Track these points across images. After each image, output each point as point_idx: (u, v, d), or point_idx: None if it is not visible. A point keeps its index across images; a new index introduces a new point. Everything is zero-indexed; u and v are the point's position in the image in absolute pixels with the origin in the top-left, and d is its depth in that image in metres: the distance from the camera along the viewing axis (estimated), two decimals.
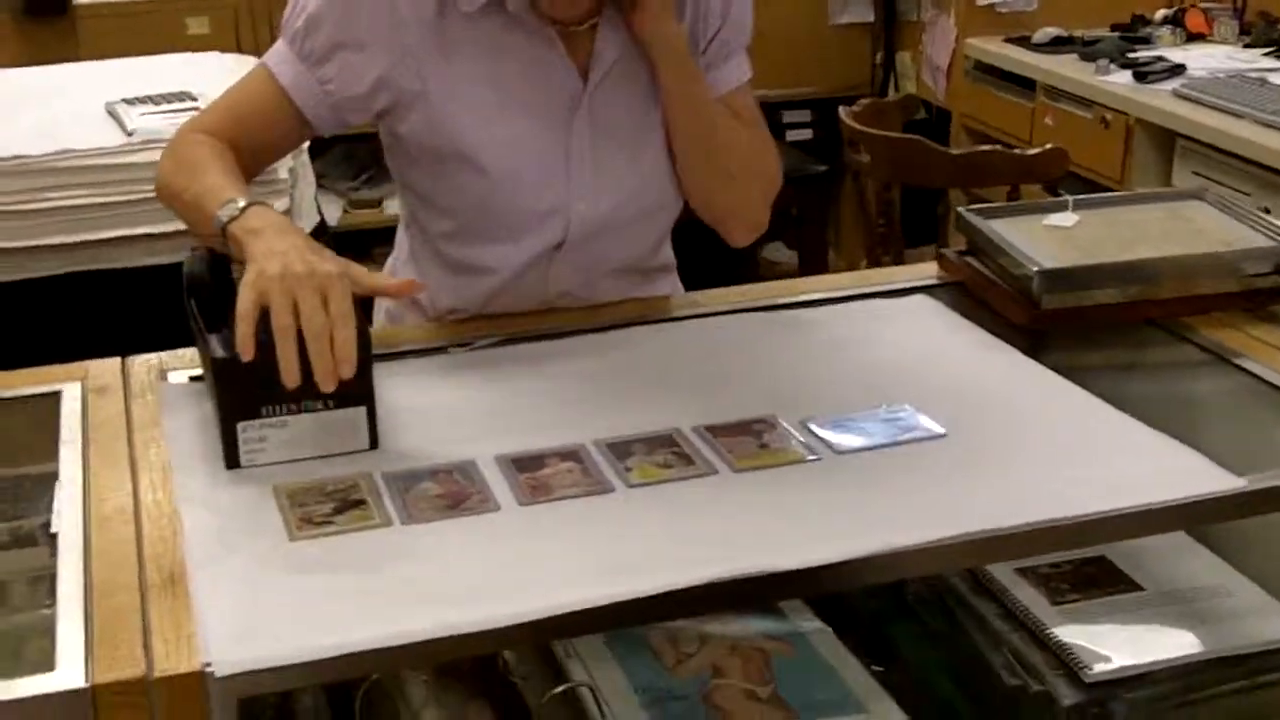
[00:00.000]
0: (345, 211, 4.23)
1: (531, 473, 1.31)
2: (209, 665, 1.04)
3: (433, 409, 1.45)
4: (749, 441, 1.36)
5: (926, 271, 1.82)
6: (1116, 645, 1.34)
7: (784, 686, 1.35)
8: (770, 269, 4.54)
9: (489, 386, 1.51)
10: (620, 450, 1.34)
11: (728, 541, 1.18)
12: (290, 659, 1.05)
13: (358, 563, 1.17)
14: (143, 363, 1.57)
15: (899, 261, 3.23)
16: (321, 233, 2.57)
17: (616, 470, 1.31)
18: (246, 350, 1.27)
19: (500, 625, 1.09)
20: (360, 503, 1.26)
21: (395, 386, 1.46)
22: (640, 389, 1.49)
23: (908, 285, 1.77)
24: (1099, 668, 1.32)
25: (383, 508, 1.25)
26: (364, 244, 4.13)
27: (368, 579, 1.15)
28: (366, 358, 1.33)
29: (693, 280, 1.84)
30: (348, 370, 1.27)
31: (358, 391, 1.34)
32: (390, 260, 1.84)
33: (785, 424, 1.39)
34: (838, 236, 4.62)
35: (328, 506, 1.25)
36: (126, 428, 1.42)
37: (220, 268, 1.50)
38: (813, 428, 1.38)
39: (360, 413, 1.35)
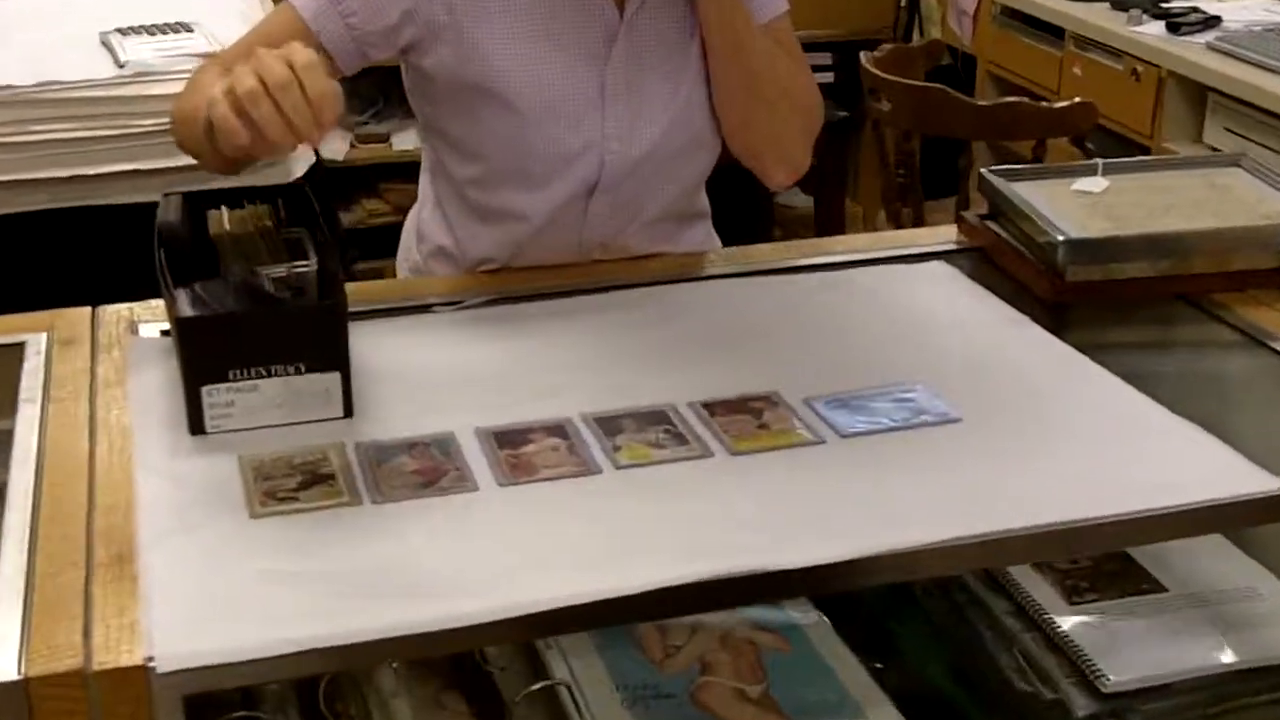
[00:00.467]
0: (352, 146, 4.13)
1: (513, 449, 1.22)
2: (151, 660, 0.96)
3: (415, 373, 1.36)
4: (748, 421, 1.27)
5: (946, 235, 1.73)
6: (1137, 652, 1.26)
7: (776, 686, 1.27)
8: (784, 214, 4.44)
9: (477, 350, 1.42)
10: (610, 426, 1.26)
11: (721, 535, 1.10)
12: (240, 655, 0.97)
13: (321, 547, 1.09)
14: (114, 313, 1.49)
15: (918, 214, 3.13)
16: (317, 170, 2.47)
17: (604, 449, 1.22)
18: (235, 135, 1.21)
19: (469, 624, 1.01)
20: (329, 477, 1.18)
21: (379, 347, 1.38)
22: (636, 357, 1.40)
23: (926, 250, 1.67)
24: (1117, 677, 1.23)
25: (353, 484, 1.17)
26: (370, 179, 4.04)
27: (331, 565, 1.07)
28: (341, 322, 1.25)
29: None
30: (329, 115, 1.19)
31: (332, 356, 1.26)
32: (414, 212, 1.76)
33: (788, 401, 1.31)
34: (856, 184, 4.51)
35: (294, 481, 1.17)
36: (90, 386, 1.33)
37: (196, 216, 1.42)
38: (817, 407, 1.29)
39: (334, 379, 1.27)
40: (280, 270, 1.39)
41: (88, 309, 1.49)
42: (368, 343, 1.38)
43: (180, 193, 1.45)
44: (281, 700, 1.24)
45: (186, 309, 1.26)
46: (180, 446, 1.23)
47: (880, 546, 1.08)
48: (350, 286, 1.52)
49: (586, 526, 1.11)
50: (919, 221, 3.08)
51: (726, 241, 1.76)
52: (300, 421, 1.26)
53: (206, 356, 1.23)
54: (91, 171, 2.30)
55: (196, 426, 1.25)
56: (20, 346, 1.41)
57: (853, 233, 4.24)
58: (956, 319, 1.49)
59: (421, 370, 1.37)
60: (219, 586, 1.04)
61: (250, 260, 1.39)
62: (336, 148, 4.08)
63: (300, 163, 2.35)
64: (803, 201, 4.46)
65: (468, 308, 1.52)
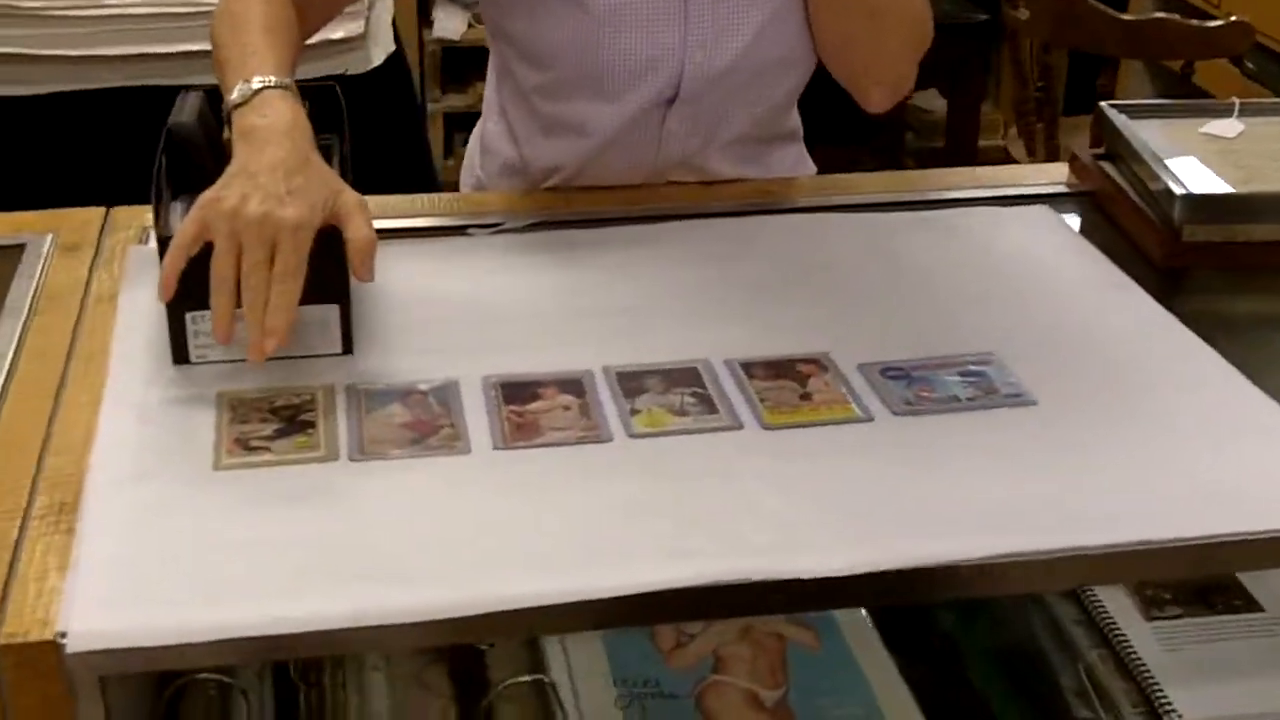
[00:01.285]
0: (470, 26, 3.99)
1: (519, 405, 1.09)
2: (64, 636, 0.86)
3: (433, 306, 1.24)
4: (789, 388, 1.12)
5: (1058, 174, 1.54)
6: (1217, 684, 1.09)
7: (797, 691, 1.13)
8: (920, 117, 4.23)
9: (507, 282, 1.28)
10: (631, 385, 1.12)
11: (730, 528, 0.96)
12: (166, 638, 0.86)
13: (284, 509, 0.97)
14: (127, 217, 1.38)
15: (1051, 132, 2.91)
16: (399, 59, 2.34)
17: (620, 411, 1.08)
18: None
19: (437, 618, 0.88)
20: (309, 426, 1.06)
21: (399, 272, 1.25)
22: (680, 299, 1.25)
23: (1032, 191, 1.49)
24: (1190, 714, 1.07)
25: (333, 435, 1.05)
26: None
27: (286, 532, 0.95)
28: (342, 249, 1.12)
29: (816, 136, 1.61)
30: (271, 344, 1.05)
31: (331, 286, 1.13)
32: (478, 125, 1.62)
33: (840, 366, 1.15)
34: (997, 91, 4.26)
35: (270, 427, 1.06)
36: (82, 301, 1.23)
37: (213, 122, 1.29)
38: (872, 375, 1.14)
39: (332, 311, 1.14)
40: None
41: (101, 210, 1.39)
42: (387, 266, 1.24)
43: (200, 88, 1.33)
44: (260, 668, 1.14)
45: (174, 225, 1.14)
46: (158, 377, 1.11)
47: (916, 558, 0.93)
48: (377, 201, 1.40)
49: (578, 508, 0.98)
50: (1052, 140, 2.86)
51: (854, 143, 1.59)
52: (294, 356, 1.14)
53: (193, 280, 1.11)
54: (164, 50, 2.20)
55: (180, 355, 1.13)
56: (20, 249, 1.31)
57: (988, 140, 4.02)
58: (1051, 278, 1.31)
59: (441, 302, 1.24)
60: (159, 551, 0.93)
61: None
62: (453, 27, 3.95)
63: (378, 50, 2.22)
64: (938, 106, 4.24)
65: (506, 231, 1.38)
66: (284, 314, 1.05)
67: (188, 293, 1.11)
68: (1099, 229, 1.43)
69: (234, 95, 1.17)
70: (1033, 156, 2.78)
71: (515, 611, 0.89)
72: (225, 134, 1.27)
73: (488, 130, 1.58)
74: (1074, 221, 1.44)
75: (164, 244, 1.11)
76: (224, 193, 1.08)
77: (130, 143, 2.20)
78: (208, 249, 1.10)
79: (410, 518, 0.97)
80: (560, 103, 1.44)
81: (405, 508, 0.98)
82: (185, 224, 1.08)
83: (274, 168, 1.09)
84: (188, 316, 1.12)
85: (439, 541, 0.95)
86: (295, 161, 1.11)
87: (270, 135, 1.12)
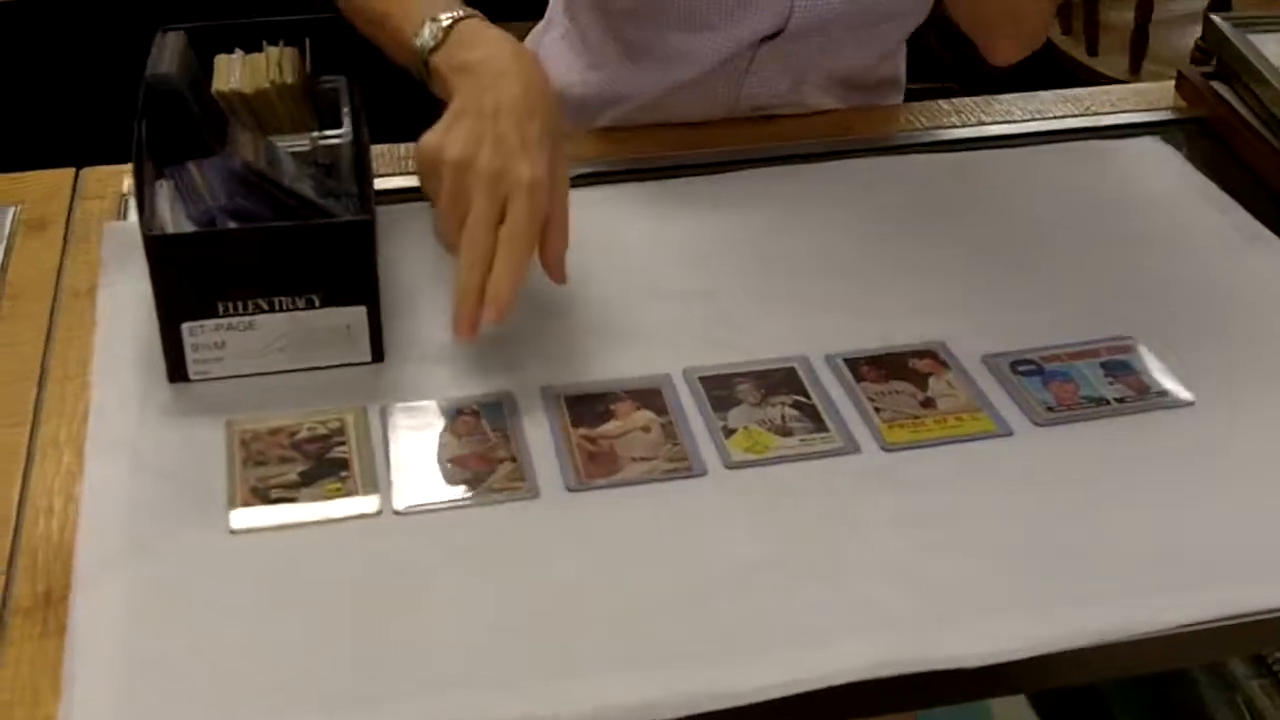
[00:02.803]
0: None
1: (590, 426, 0.91)
2: None
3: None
4: (907, 391, 0.94)
5: (1161, 96, 1.35)
6: None
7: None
8: None
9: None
10: (720, 393, 0.94)
11: (874, 596, 0.79)
12: None
13: (316, 593, 0.79)
14: (102, 179, 1.18)
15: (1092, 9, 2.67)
16: None
17: (711, 430, 0.91)
18: (466, 324, 0.90)
19: None
20: (340, 466, 0.88)
21: (425, 248, 1.06)
22: (755, 275, 1.07)
23: (1137, 120, 1.30)
24: None
25: (371, 476, 0.87)
26: None
27: (324, 630, 0.77)
28: (371, 241, 0.93)
29: None
30: (492, 314, 0.89)
31: (357, 285, 0.94)
32: (532, 37, 1.41)
33: (960, 359, 0.98)
34: None
35: (293, 469, 0.87)
36: (53, 298, 1.03)
37: (198, 70, 1.08)
38: (999, 369, 0.96)
39: (358, 314, 0.95)
40: (302, 143, 1.07)
41: (69, 172, 1.18)
42: (415, 235, 1.06)
43: (182, 29, 1.11)
44: None
45: (166, 222, 0.95)
46: (151, 402, 0.93)
47: (1103, 631, 0.77)
48: (390, 153, 1.20)
49: (671, 575, 0.80)
50: (1092, 22, 2.62)
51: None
52: (316, 367, 0.96)
53: (188, 285, 0.92)
54: None
55: (177, 373, 0.95)
56: None
57: None
58: (1177, 231, 1.13)
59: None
60: (167, 662, 0.75)
61: (265, 129, 1.08)
62: None
63: None
64: None
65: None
66: (511, 281, 0.88)
67: (183, 298, 0.93)
68: (1218, 161, 1.24)
69: (422, 38, 0.99)
70: (1069, 35, 2.56)
71: None
72: (216, 85, 1.08)
73: (546, 44, 1.36)
74: (1188, 153, 1.25)
75: (154, 244, 0.91)
76: (448, 138, 0.91)
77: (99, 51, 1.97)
78: (200, 249, 0.91)
79: (467, 596, 0.79)
80: (650, 30, 1.24)
81: (471, 585, 0.80)
82: (418, 158, 0.92)
83: (509, 109, 0.92)
84: (184, 328, 0.93)
85: (516, 631, 0.77)
86: (530, 102, 0.93)
87: (498, 68, 0.95)
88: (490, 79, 0.94)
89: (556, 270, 0.94)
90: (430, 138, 0.93)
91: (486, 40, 0.98)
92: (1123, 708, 1.04)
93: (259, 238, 0.93)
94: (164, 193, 0.98)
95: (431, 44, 0.99)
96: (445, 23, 0.99)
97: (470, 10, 1.01)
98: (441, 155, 0.91)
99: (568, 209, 0.93)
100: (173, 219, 0.96)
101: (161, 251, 0.92)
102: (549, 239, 0.92)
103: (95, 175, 1.18)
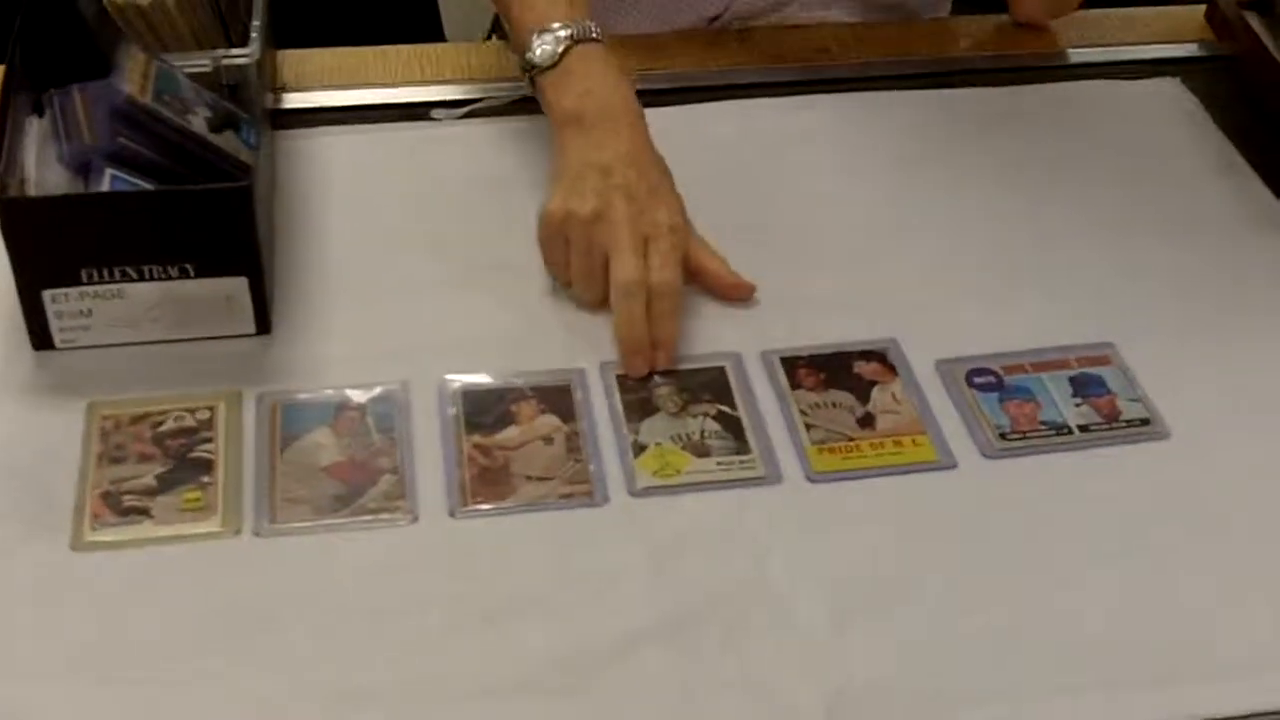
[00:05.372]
0: None
1: (487, 434, 0.82)
2: None
3: (377, 245, 0.95)
4: (845, 405, 0.85)
5: (1193, 26, 1.20)
6: None
7: None
8: None
9: (474, 205, 0.99)
10: (636, 396, 0.84)
11: (767, 691, 0.70)
12: None
13: (158, 628, 0.72)
14: None
15: None
16: None
17: (620, 446, 0.82)
18: (636, 361, 0.86)
19: None
20: (204, 468, 0.79)
21: (335, 189, 0.97)
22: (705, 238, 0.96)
23: (1157, 55, 1.16)
24: None
25: (235, 485, 0.78)
26: None
27: (164, 673, 0.70)
28: (251, 209, 0.83)
29: None
30: (662, 357, 0.86)
31: (237, 255, 0.85)
32: None
33: (912, 362, 0.87)
34: None
35: (152, 470, 0.79)
36: None
37: None
38: (953, 380, 0.86)
39: (239, 286, 0.86)
40: (203, 62, 0.96)
41: None
42: (319, 172, 0.97)
43: None
44: None
45: (25, 165, 0.85)
46: (11, 378, 0.84)
47: None
48: (303, 60, 1.09)
49: (549, 641, 0.71)
50: None
51: None
52: (191, 338, 0.87)
53: (49, 249, 0.83)
54: None
55: (41, 340, 0.86)
56: None
57: None
58: (1179, 205, 1.01)
59: (387, 238, 0.95)
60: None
61: (164, 45, 0.97)
62: None
63: None
64: None
65: (483, 113, 1.07)
66: (673, 321, 0.86)
67: (43, 264, 0.83)
68: (1240, 111, 1.11)
69: (536, 50, 0.94)
70: None
71: None
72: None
73: None
74: (1208, 101, 1.12)
75: (8, 209, 0.81)
76: (574, 199, 0.88)
77: None
78: (59, 213, 0.81)
79: (338, 641, 0.71)
80: None
81: (331, 625, 0.72)
82: (542, 227, 0.89)
83: (628, 162, 0.89)
84: (45, 295, 0.84)
85: (372, 688, 0.70)
86: (645, 151, 0.91)
87: (608, 119, 0.91)
88: (600, 135, 0.90)
89: (741, 293, 0.91)
90: (556, 203, 0.88)
91: (593, 76, 0.93)
92: None
93: (124, 204, 0.82)
94: (34, 131, 0.88)
95: (543, 65, 0.94)
96: (562, 38, 0.93)
97: (586, 25, 0.94)
98: (574, 215, 0.87)
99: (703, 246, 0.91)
100: (40, 160, 0.86)
101: (16, 216, 0.82)
102: (707, 270, 0.90)
103: None
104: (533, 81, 0.95)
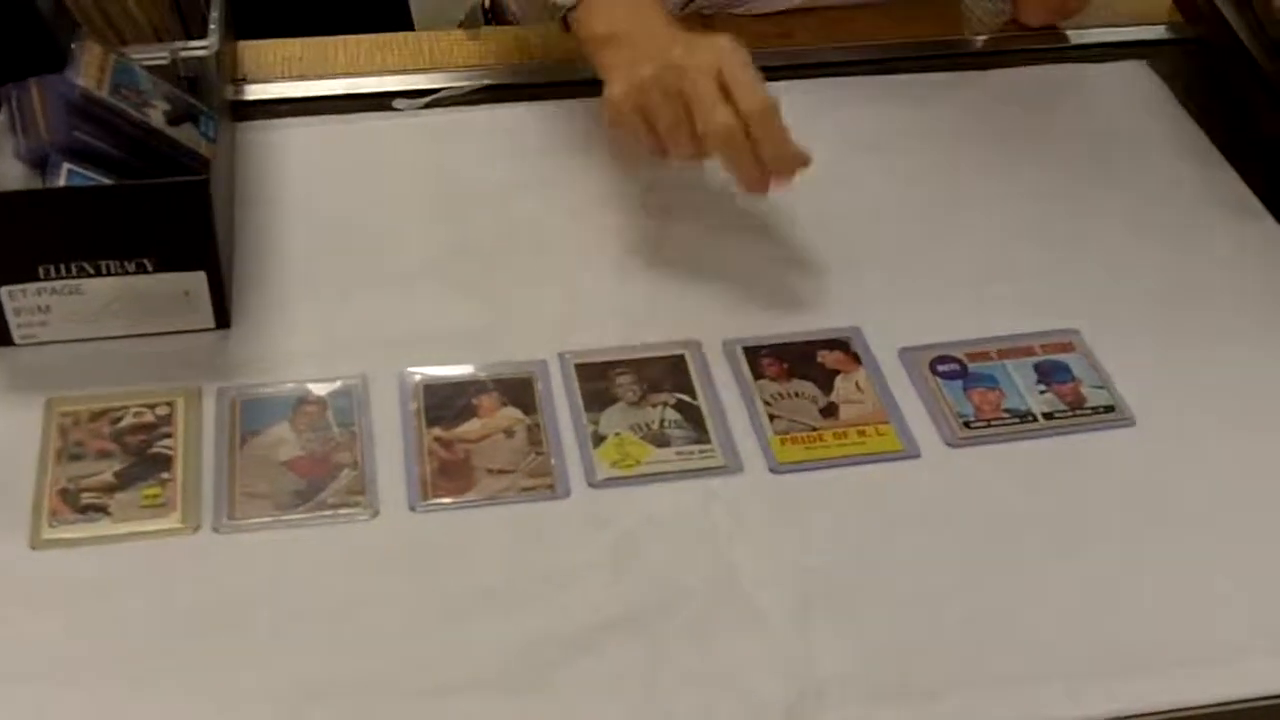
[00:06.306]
0: None
1: (447, 427, 0.81)
2: None
3: (340, 239, 0.94)
4: (808, 395, 0.84)
5: (1158, 9, 1.20)
6: None
7: None
8: None
9: (435, 199, 0.98)
10: (596, 386, 0.84)
11: (730, 683, 0.70)
12: None
13: (126, 625, 0.71)
14: None
15: None
16: None
17: (580, 435, 0.81)
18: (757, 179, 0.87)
19: None
20: (163, 464, 0.79)
21: (297, 179, 0.96)
22: (657, 232, 0.96)
23: (1124, 38, 1.16)
24: None
25: (194, 482, 0.78)
26: None
27: (133, 668, 0.69)
28: (209, 204, 0.82)
29: None
30: (787, 181, 0.87)
31: (194, 248, 0.84)
32: None
33: (875, 350, 0.87)
34: None
35: (110, 467, 0.78)
36: None
37: None
38: (917, 368, 0.86)
39: (198, 280, 0.85)
40: (160, 55, 0.96)
41: None
42: (280, 164, 0.96)
43: None
44: None
45: None
46: None
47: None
48: (260, 51, 1.08)
49: (509, 636, 0.71)
50: None
51: None
52: (150, 334, 0.86)
53: (2, 248, 0.82)
54: None
55: (1, 336, 0.85)
56: None
57: None
58: (1147, 191, 1.01)
59: (348, 230, 0.95)
60: None
61: (122, 38, 0.96)
62: None
63: None
64: None
65: (447, 103, 1.06)
66: (784, 135, 0.86)
67: (1, 261, 0.82)
68: (1209, 91, 1.11)
69: None
70: None
71: None
72: None
73: None
74: (1173, 84, 1.12)
75: None
76: (634, 76, 0.87)
77: None
78: (13, 209, 0.81)
79: (300, 638, 0.71)
80: None
81: (290, 624, 0.72)
82: (625, 120, 0.88)
83: (655, 42, 0.89)
84: (2, 291, 0.83)
85: (331, 687, 0.69)
86: (669, 33, 0.90)
87: (646, 34, 0.90)
88: (628, 43, 0.90)
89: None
90: (617, 86, 0.88)
91: (624, 10, 0.93)
92: None
93: (81, 199, 0.82)
94: None
95: (570, 4, 0.94)
96: None
97: None
98: (640, 81, 0.86)
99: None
100: None
101: None
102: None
103: None
104: (564, 23, 0.95)
